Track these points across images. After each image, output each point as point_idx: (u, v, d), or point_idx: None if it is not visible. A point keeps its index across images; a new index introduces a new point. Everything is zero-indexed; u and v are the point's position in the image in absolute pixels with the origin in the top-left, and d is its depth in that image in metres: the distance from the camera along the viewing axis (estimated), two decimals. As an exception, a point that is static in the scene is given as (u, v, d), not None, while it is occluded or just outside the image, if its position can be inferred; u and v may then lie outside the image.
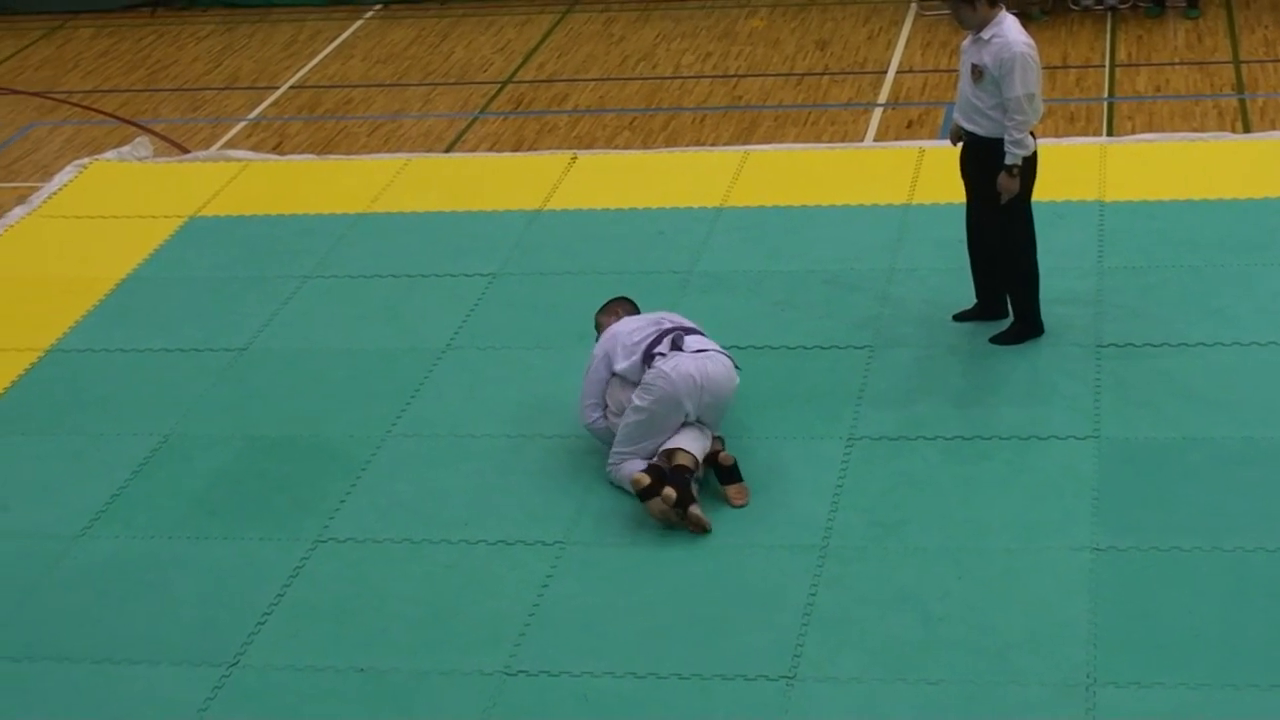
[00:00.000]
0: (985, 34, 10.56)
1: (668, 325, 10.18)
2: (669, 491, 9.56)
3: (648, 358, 9.98)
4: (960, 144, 11.00)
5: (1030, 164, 10.74)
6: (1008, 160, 10.60)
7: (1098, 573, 9.02)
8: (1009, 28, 10.54)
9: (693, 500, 9.62)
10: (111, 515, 10.19)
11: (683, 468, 9.70)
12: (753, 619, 8.92)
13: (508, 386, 11.13)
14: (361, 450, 10.60)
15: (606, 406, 10.15)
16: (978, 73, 10.59)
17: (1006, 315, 11.23)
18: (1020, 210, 10.84)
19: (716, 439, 10.03)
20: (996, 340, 11.12)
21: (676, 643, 8.79)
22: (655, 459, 9.84)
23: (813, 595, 9.05)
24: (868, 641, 8.69)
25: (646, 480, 9.62)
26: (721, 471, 9.92)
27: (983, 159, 10.77)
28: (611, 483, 10.01)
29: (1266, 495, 9.51)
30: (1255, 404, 10.32)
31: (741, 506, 9.82)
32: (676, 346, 9.98)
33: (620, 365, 10.07)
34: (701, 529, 9.58)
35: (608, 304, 10.63)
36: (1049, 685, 8.30)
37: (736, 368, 10.12)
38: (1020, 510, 9.57)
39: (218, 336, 12.03)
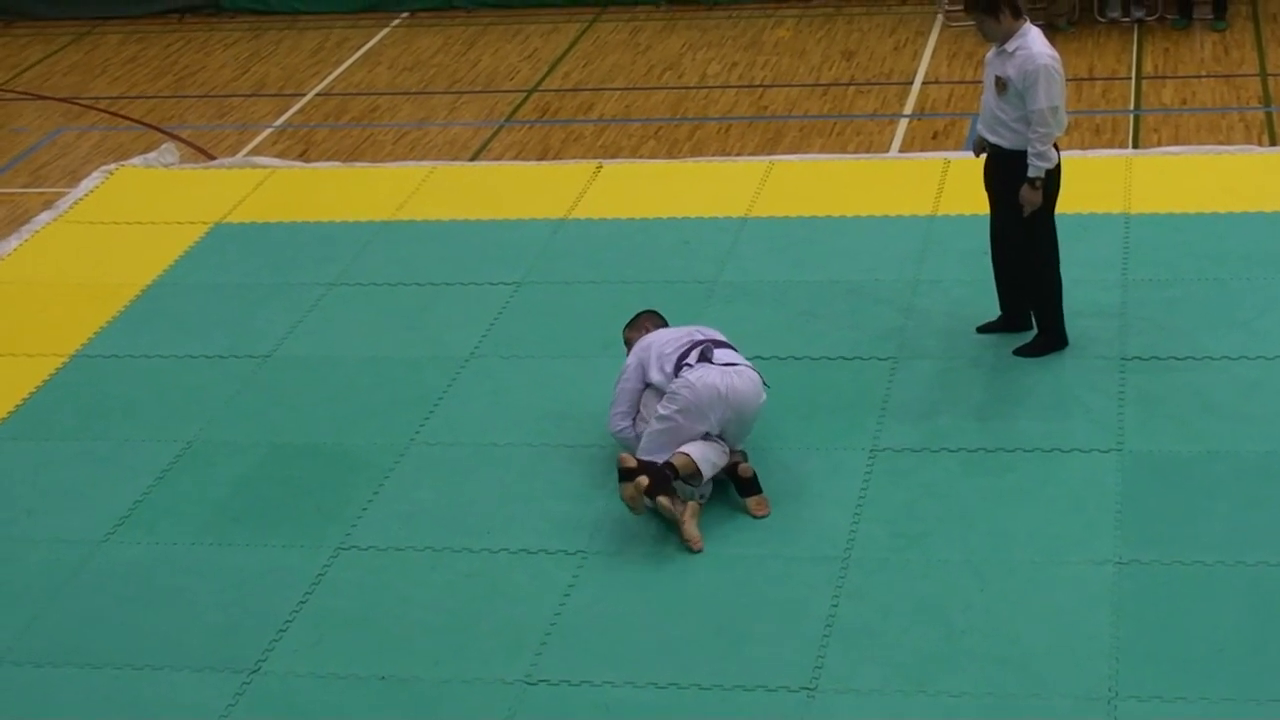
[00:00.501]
0: (1009, 46, 10.55)
1: (700, 338, 10.19)
2: (641, 479, 9.57)
3: (677, 368, 9.99)
4: (984, 155, 10.99)
5: (1054, 176, 10.73)
6: (1030, 173, 10.59)
7: (1120, 586, 9.01)
8: (1033, 40, 10.53)
9: (665, 492, 9.62)
10: (135, 521, 10.21)
11: (670, 465, 9.72)
12: (774, 630, 8.91)
13: (531, 395, 11.14)
14: (384, 458, 10.61)
15: (638, 415, 10.17)
16: (1001, 85, 10.58)
17: (1030, 327, 11.22)
18: (1044, 222, 10.83)
19: (737, 453, 10.03)
20: (1020, 352, 11.10)
21: (698, 653, 8.79)
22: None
23: (834, 606, 9.04)
24: (890, 653, 8.68)
25: (632, 463, 9.67)
26: (741, 484, 9.92)
27: (1006, 171, 10.76)
28: None
29: (1290, 510, 9.51)
30: (1280, 418, 10.31)
31: (763, 518, 9.82)
32: (705, 359, 9.98)
33: (655, 376, 10.08)
34: (682, 531, 9.61)
35: (635, 318, 10.64)
36: (1071, 698, 8.29)
37: (765, 385, 10.11)
38: (1043, 523, 9.55)
39: (242, 343, 12.06)
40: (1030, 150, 10.55)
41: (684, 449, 9.77)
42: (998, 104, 10.65)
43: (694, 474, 9.73)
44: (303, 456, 10.72)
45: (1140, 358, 11.01)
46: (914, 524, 9.64)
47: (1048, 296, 11.06)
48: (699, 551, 9.54)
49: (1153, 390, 10.67)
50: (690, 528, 9.62)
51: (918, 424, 10.53)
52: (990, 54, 10.75)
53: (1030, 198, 10.65)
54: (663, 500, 9.62)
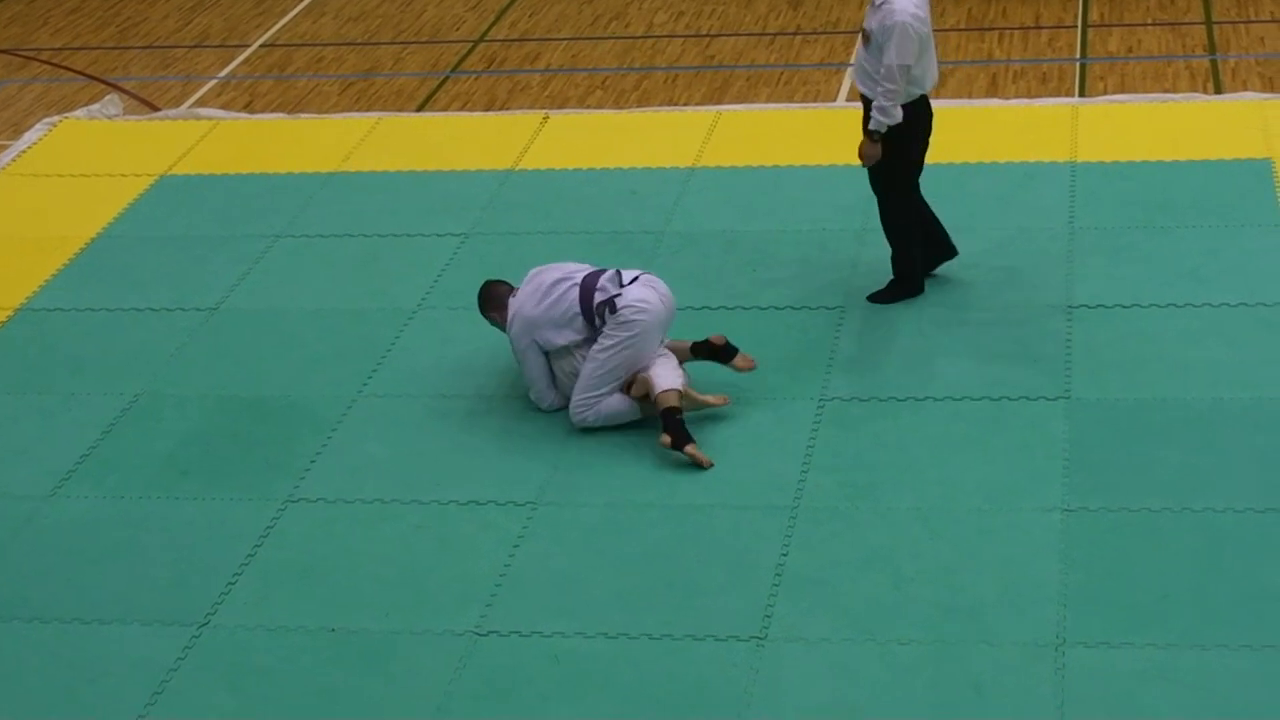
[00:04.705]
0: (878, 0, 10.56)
1: (586, 272, 10.21)
2: (664, 438, 9.75)
3: (590, 306, 10.00)
4: None
5: (924, 127, 10.75)
6: (870, 125, 10.61)
7: (1068, 533, 9.05)
8: None
9: (689, 440, 9.77)
10: (82, 475, 10.17)
11: (674, 409, 9.83)
12: (724, 580, 8.93)
13: (479, 347, 11.11)
14: (332, 410, 10.58)
15: (555, 379, 10.28)
16: (866, 37, 10.61)
17: (953, 252, 11.29)
18: (903, 172, 10.85)
19: (676, 343, 10.29)
20: (874, 299, 11.15)
21: (647, 603, 8.80)
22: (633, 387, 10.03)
23: (784, 556, 9.06)
24: (839, 602, 8.71)
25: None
26: (718, 351, 10.17)
27: None
28: (584, 427, 10.07)
29: (1236, 456, 9.55)
30: (1225, 365, 10.34)
31: (751, 370, 10.22)
32: (621, 282, 10.08)
33: (561, 340, 10.09)
34: (700, 463, 9.77)
35: (488, 295, 10.50)
36: (1019, 645, 8.33)
37: None
38: (991, 471, 9.59)
39: (188, 296, 12.00)
40: (875, 104, 10.56)
41: (664, 384, 9.89)
42: (865, 56, 10.66)
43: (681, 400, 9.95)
44: (250, 409, 10.69)
45: (1087, 306, 11.04)
46: (863, 473, 9.66)
47: (902, 241, 11.08)
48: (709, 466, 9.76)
49: (1099, 338, 10.71)
50: (694, 451, 9.77)
51: (866, 373, 10.55)
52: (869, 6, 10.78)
53: (868, 151, 10.70)
54: (690, 450, 9.75)
